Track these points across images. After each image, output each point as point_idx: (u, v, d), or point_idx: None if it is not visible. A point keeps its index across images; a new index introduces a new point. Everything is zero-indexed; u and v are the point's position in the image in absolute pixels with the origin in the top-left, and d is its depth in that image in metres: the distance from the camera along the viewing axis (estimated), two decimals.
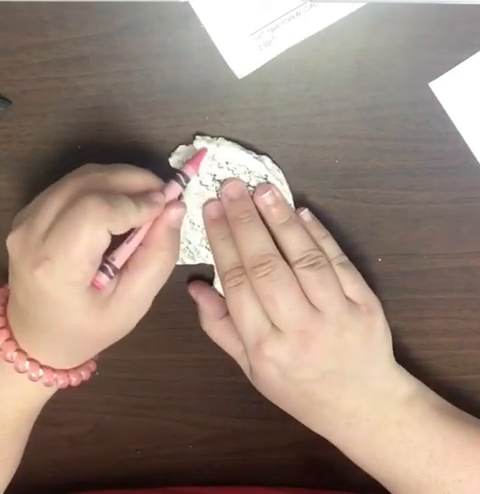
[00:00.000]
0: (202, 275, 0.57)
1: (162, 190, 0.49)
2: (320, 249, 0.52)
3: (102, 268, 0.47)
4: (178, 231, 0.50)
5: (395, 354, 0.54)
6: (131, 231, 0.48)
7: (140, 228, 0.49)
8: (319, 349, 0.50)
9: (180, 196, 0.52)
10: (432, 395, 0.54)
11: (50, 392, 0.53)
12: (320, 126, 0.53)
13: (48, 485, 0.64)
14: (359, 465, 0.54)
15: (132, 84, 0.52)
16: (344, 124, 0.53)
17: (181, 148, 0.54)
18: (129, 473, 0.64)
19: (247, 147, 0.53)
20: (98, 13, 0.51)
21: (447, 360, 0.59)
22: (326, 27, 0.51)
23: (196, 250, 0.55)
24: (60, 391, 0.53)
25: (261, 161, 0.53)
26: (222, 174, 0.53)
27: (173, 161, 0.53)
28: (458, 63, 0.51)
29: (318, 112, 0.53)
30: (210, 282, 0.57)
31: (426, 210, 0.55)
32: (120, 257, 0.48)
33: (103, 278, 0.47)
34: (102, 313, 0.48)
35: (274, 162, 0.54)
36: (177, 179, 0.51)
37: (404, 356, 0.58)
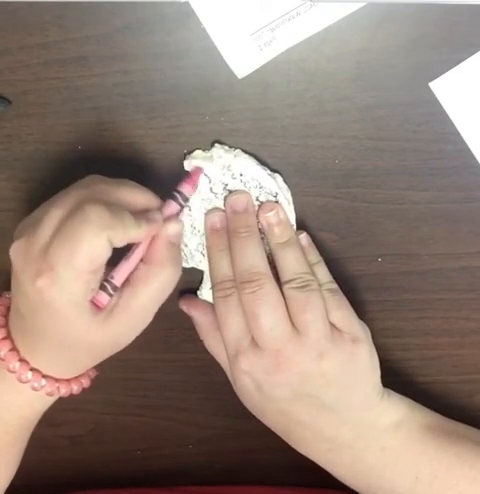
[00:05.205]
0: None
1: (160, 209, 0.50)
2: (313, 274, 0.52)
3: (102, 286, 0.48)
4: (178, 246, 0.51)
5: (395, 354, 0.54)
6: (129, 249, 0.49)
7: (138, 246, 0.49)
8: (292, 371, 0.50)
9: (180, 212, 0.52)
10: (421, 414, 0.54)
11: (53, 399, 0.53)
12: (320, 126, 0.53)
13: (48, 485, 0.64)
14: (345, 484, 0.54)
15: (132, 84, 0.52)
16: (344, 124, 0.53)
17: (197, 153, 0.53)
18: (129, 473, 0.64)
19: (262, 162, 0.53)
20: (98, 13, 0.51)
21: (447, 360, 0.59)
22: (326, 27, 0.51)
23: (191, 254, 0.55)
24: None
25: (274, 179, 0.53)
26: (234, 185, 0.53)
27: (187, 164, 0.53)
28: (458, 63, 0.51)
29: (318, 112, 0.53)
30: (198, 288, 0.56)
31: (426, 210, 0.55)
32: (119, 275, 0.49)
33: (102, 296, 0.48)
34: (103, 325, 0.48)
35: (285, 182, 0.54)
36: (174, 198, 0.51)
37: (404, 356, 0.58)
